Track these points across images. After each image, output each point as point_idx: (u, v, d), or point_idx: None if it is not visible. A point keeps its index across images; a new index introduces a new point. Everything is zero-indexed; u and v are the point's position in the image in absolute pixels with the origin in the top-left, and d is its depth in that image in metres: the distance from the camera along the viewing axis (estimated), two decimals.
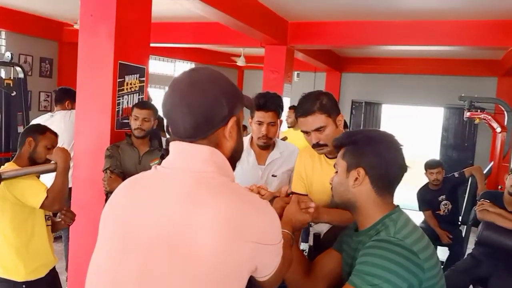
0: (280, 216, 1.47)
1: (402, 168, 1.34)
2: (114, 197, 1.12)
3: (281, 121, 2.42)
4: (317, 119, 1.84)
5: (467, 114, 4.89)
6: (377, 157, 1.32)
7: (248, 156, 2.44)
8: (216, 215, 0.96)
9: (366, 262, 1.19)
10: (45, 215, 2.38)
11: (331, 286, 1.46)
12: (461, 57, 7.65)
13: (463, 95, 5.08)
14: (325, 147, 1.87)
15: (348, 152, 1.36)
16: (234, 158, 1.14)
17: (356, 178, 1.32)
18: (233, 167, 1.14)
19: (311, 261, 1.55)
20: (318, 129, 1.85)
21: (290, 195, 1.59)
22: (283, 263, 1.13)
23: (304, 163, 2.07)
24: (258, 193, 1.63)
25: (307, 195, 2.01)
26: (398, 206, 1.37)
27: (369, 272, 1.17)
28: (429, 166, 4.47)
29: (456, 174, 4.49)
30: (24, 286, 2.25)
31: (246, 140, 2.51)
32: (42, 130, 2.41)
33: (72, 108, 3.91)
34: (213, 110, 1.06)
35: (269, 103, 2.33)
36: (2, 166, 2.40)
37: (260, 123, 2.33)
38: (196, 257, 0.94)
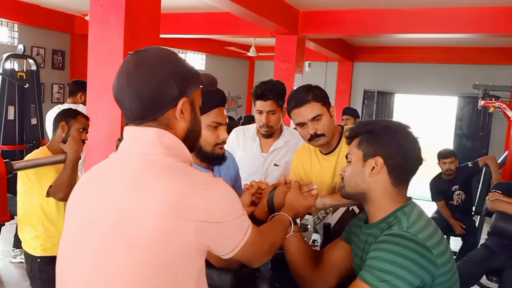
0: (283, 202, 1.46)
1: (418, 160, 1.32)
2: (77, 185, 1.13)
3: (284, 110, 2.41)
4: (313, 108, 1.82)
5: (481, 102, 4.80)
6: (396, 147, 1.30)
7: (253, 143, 2.49)
8: (157, 198, 0.95)
9: (378, 257, 1.17)
10: None
11: (340, 276, 1.45)
12: (476, 45, 7.51)
13: (477, 83, 4.99)
14: (322, 137, 1.85)
15: (365, 140, 1.33)
16: (190, 139, 1.11)
17: (373, 167, 1.30)
18: (192, 148, 1.12)
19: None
20: (315, 118, 1.82)
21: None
22: (259, 237, 1.11)
23: (302, 161, 2.04)
24: (259, 187, 1.60)
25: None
26: (411, 198, 1.34)
27: (381, 267, 1.15)
28: (442, 155, 4.42)
29: (469, 164, 4.44)
30: (38, 260, 2.44)
31: (251, 128, 2.52)
32: (74, 113, 2.54)
33: (85, 100, 3.93)
34: (160, 91, 1.03)
35: (267, 92, 2.34)
36: (34, 151, 2.54)
37: (260, 112, 2.36)
38: (141, 242, 0.94)
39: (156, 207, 0.94)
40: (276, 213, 1.37)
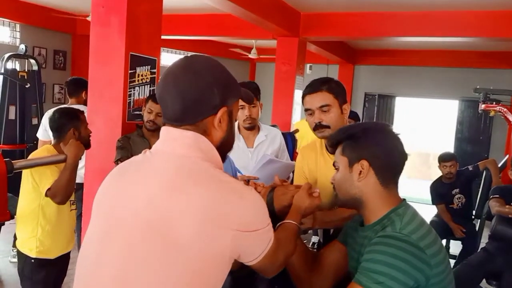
0: (285, 203, 1.45)
1: (403, 155, 1.33)
2: (105, 182, 1.13)
3: (261, 104, 2.61)
4: (324, 97, 1.82)
5: (482, 106, 4.81)
6: (378, 147, 1.31)
7: (238, 141, 2.57)
8: (195, 202, 0.96)
9: (372, 259, 1.17)
10: (70, 200, 2.50)
11: (336, 278, 1.44)
12: (477, 49, 7.52)
13: (478, 87, 4.99)
14: (327, 129, 1.82)
15: (347, 146, 1.34)
16: (223, 149, 1.13)
17: (361, 171, 1.30)
18: (223, 158, 1.13)
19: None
20: (322, 107, 1.81)
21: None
22: (277, 247, 1.12)
23: (307, 159, 2.02)
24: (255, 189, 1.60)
25: None
26: (404, 200, 1.34)
27: (375, 269, 1.15)
28: (443, 159, 4.42)
29: (470, 168, 4.43)
30: (32, 261, 2.42)
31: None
32: (77, 115, 2.55)
33: (86, 99, 3.89)
34: (203, 97, 1.05)
35: (246, 88, 2.43)
36: (39, 148, 2.60)
37: (243, 107, 2.48)
38: (175, 243, 0.94)
39: (196, 211, 0.95)
40: (285, 221, 1.35)
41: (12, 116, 5.26)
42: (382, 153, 1.30)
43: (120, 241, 1.00)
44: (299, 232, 1.37)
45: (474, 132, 8.45)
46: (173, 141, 1.07)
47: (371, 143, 1.31)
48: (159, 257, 0.95)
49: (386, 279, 1.13)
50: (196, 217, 0.95)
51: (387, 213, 1.29)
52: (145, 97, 3.15)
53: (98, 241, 1.05)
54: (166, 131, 1.09)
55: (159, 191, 0.99)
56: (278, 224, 1.35)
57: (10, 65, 5.40)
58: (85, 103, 3.80)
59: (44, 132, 3.82)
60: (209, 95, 1.06)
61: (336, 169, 1.39)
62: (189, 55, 1.13)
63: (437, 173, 4.60)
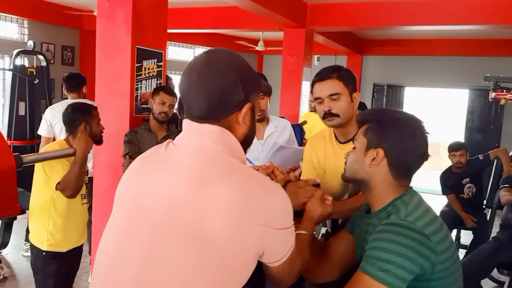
0: (295, 202, 1.43)
1: (423, 157, 1.29)
2: (127, 174, 1.13)
3: (269, 95, 2.61)
4: (334, 84, 1.78)
5: (492, 94, 4.75)
6: (400, 142, 1.27)
7: None
8: (224, 197, 0.95)
9: (377, 247, 1.17)
10: (81, 194, 2.52)
11: (344, 267, 1.44)
12: (486, 36, 7.41)
13: (488, 75, 4.93)
14: (336, 117, 1.80)
15: (372, 129, 1.30)
16: (245, 144, 1.12)
17: (374, 158, 1.28)
18: (244, 152, 1.12)
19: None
20: (332, 95, 1.78)
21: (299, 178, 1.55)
22: (297, 255, 1.11)
23: (316, 149, 1.99)
24: (272, 172, 1.59)
25: (318, 184, 1.97)
26: (411, 187, 1.32)
27: (380, 257, 1.14)
28: (452, 148, 4.38)
29: (480, 157, 4.39)
30: (44, 254, 2.46)
31: None
32: (89, 110, 2.56)
33: (84, 93, 3.90)
34: (229, 94, 1.04)
35: None
36: (52, 142, 2.64)
37: None
38: (203, 238, 0.93)
39: (225, 206, 0.94)
40: (299, 232, 1.30)
41: (22, 112, 5.30)
42: (402, 148, 1.27)
43: (143, 236, 0.98)
44: (312, 241, 1.35)
45: (485, 121, 8.36)
46: (198, 134, 1.05)
47: (395, 134, 1.27)
48: (183, 254, 0.94)
49: (392, 267, 1.12)
50: (224, 211, 0.94)
51: (393, 200, 1.28)
52: (151, 90, 3.16)
53: (119, 235, 1.04)
54: (189, 124, 1.07)
55: (184, 186, 0.98)
56: None
57: (19, 61, 5.44)
58: (83, 98, 3.81)
59: (49, 128, 3.80)
60: (234, 92, 1.04)
61: (353, 146, 1.36)
62: (210, 49, 1.11)
63: (447, 163, 4.57)
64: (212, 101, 1.03)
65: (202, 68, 1.05)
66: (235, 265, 0.96)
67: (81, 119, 2.49)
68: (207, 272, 0.94)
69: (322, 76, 1.82)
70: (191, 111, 1.07)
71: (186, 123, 1.08)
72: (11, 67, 5.22)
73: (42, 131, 3.89)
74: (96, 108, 2.62)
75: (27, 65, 5.54)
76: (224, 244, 0.94)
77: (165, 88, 3.08)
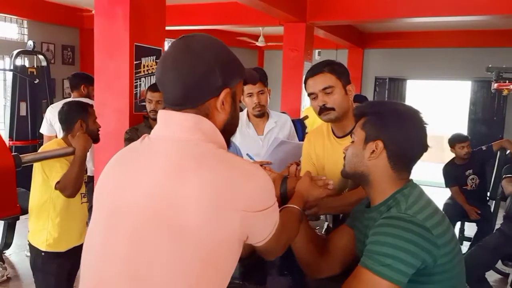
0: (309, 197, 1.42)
1: (423, 148, 1.28)
2: (104, 173, 1.11)
3: (269, 90, 2.62)
4: (326, 78, 1.77)
5: (494, 85, 4.71)
6: (400, 133, 1.25)
7: (248, 128, 2.62)
8: (200, 185, 0.93)
9: (377, 241, 1.15)
10: (81, 193, 2.50)
11: (344, 262, 1.42)
12: (488, 27, 7.35)
13: (490, 66, 4.88)
14: (332, 111, 1.78)
15: (370, 122, 1.28)
16: (227, 131, 1.08)
17: (373, 151, 1.26)
18: (227, 141, 1.09)
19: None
20: (325, 89, 1.77)
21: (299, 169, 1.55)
22: (282, 230, 1.09)
23: (314, 145, 1.97)
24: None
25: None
26: (411, 180, 1.30)
27: (381, 251, 1.12)
28: (459, 140, 4.35)
29: (483, 148, 4.37)
30: (43, 254, 2.46)
31: (243, 115, 2.58)
32: (85, 107, 2.55)
33: (88, 92, 3.92)
34: (204, 79, 1.01)
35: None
36: (49, 141, 2.61)
37: (251, 95, 2.52)
38: (184, 229, 0.91)
39: (201, 195, 0.92)
40: (287, 205, 1.33)
41: (23, 112, 5.32)
42: (401, 140, 1.25)
43: (125, 232, 0.97)
44: (302, 217, 1.35)
45: (488, 113, 8.32)
46: (173, 125, 1.03)
47: (394, 126, 1.26)
48: (167, 247, 0.92)
49: (393, 261, 1.10)
50: (202, 201, 0.92)
51: (393, 193, 1.26)
52: None
53: (102, 233, 1.02)
54: (164, 115, 1.05)
55: (162, 178, 0.96)
56: (281, 208, 1.33)
57: (19, 61, 5.44)
58: (87, 97, 3.83)
59: (50, 127, 3.86)
60: (211, 77, 1.01)
61: (351, 141, 1.35)
62: (188, 34, 1.07)
63: (450, 156, 4.54)
64: (187, 86, 1.01)
65: (177, 53, 1.02)
66: (218, 256, 0.94)
67: (77, 117, 2.48)
68: (189, 266, 0.92)
69: (314, 71, 1.81)
70: (167, 98, 1.04)
71: (161, 114, 1.06)
72: (12, 68, 5.23)
73: (43, 129, 3.97)
74: (92, 106, 2.60)
75: (27, 65, 5.55)
76: (206, 234, 0.92)
77: (151, 86, 3.08)
